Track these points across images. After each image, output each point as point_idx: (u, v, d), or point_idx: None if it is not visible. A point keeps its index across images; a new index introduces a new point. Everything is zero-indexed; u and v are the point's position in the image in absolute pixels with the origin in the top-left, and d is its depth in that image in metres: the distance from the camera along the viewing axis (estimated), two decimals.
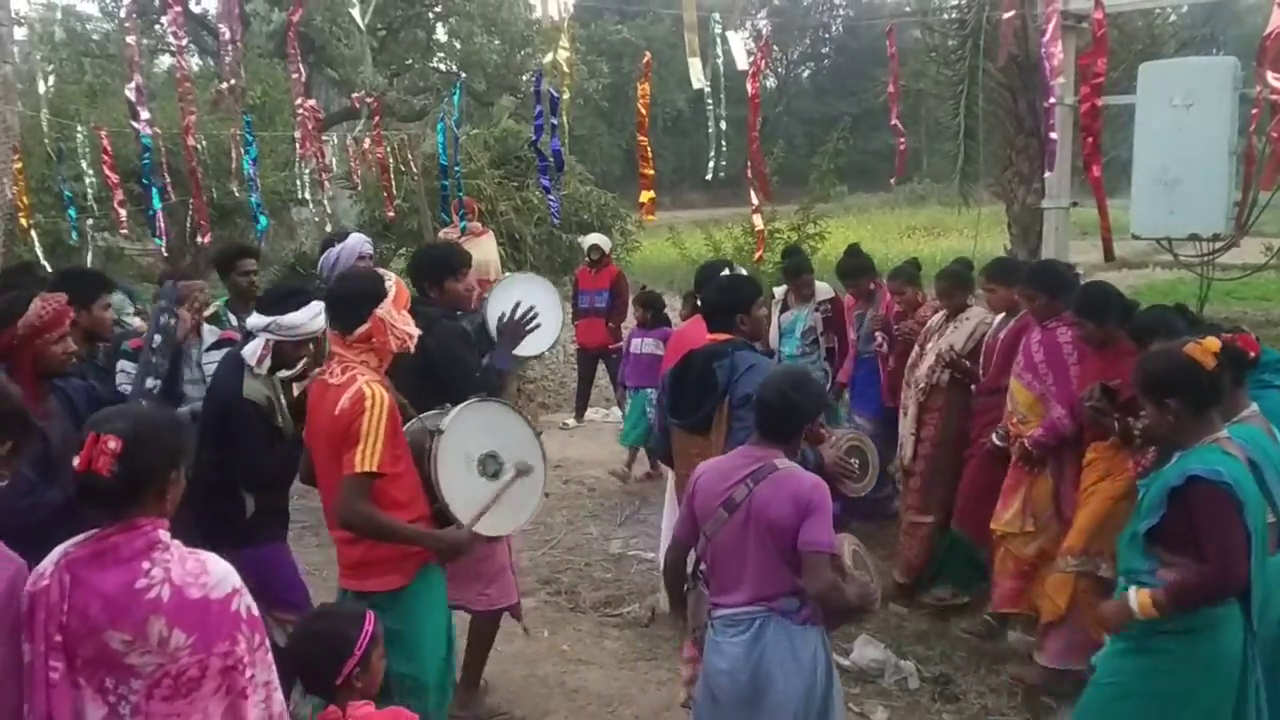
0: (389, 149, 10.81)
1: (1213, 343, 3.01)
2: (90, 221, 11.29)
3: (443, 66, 29.30)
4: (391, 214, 10.77)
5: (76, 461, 2.14)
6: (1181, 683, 2.98)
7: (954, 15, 10.68)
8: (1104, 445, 4.33)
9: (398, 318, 3.32)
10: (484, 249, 7.90)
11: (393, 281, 3.39)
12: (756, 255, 8.20)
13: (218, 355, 4.31)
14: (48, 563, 2.18)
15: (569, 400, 10.55)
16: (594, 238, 9.81)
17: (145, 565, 2.14)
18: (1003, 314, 5.32)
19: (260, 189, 9.63)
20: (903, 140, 7.63)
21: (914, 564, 5.55)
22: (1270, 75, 4.83)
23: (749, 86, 7.11)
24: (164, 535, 2.20)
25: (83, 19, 27.47)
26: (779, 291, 6.87)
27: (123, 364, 4.28)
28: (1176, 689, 2.99)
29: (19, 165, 8.81)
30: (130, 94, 6.92)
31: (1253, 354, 3.33)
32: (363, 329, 3.27)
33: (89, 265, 9.39)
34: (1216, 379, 2.99)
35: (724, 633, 3.17)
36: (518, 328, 4.25)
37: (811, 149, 17.61)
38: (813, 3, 52.11)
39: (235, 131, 10.73)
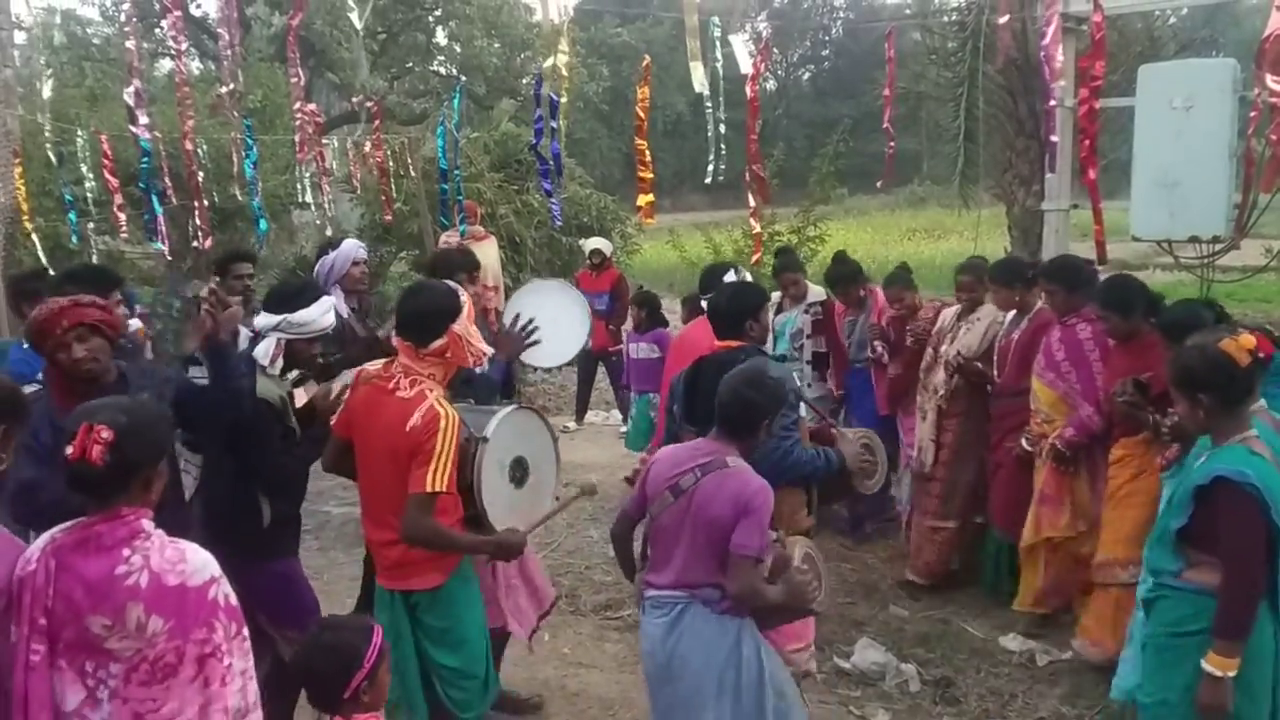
0: (389, 152, 10.81)
1: (1248, 339, 3.01)
2: (91, 225, 11.29)
3: (443, 70, 29.35)
4: (391, 217, 10.78)
5: (70, 450, 2.20)
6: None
7: (954, 18, 10.69)
8: (1134, 441, 4.33)
9: (473, 333, 3.35)
10: (485, 253, 7.90)
11: (466, 297, 3.42)
12: (754, 259, 8.20)
13: None
14: (35, 548, 2.27)
15: (569, 403, 10.54)
16: (595, 241, 9.83)
17: (126, 553, 2.21)
18: (1014, 313, 5.31)
19: (261, 192, 9.63)
20: (892, 144, 7.64)
21: (935, 568, 5.57)
22: (1269, 77, 4.82)
23: (748, 89, 7.11)
24: (147, 525, 2.27)
25: (83, 23, 27.49)
26: (776, 295, 6.85)
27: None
28: None
29: (20, 169, 8.82)
30: (129, 98, 6.92)
31: (1265, 355, 3.32)
32: (438, 343, 3.29)
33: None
34: (1250, 376, 2.99)
35: (650, 613, 3.30)
36: (516, 340, 4.26)
37: (811, 151, 17.62)
38: (813, 5, 52.12)
39: (236, 135, 10.73)
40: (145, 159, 7.58)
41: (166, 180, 9.33)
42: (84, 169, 10.65)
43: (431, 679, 3.43)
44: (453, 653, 3.40)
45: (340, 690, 2.46)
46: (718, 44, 7.27)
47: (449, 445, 3.18)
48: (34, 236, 9.65)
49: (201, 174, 9.26)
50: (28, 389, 2.83)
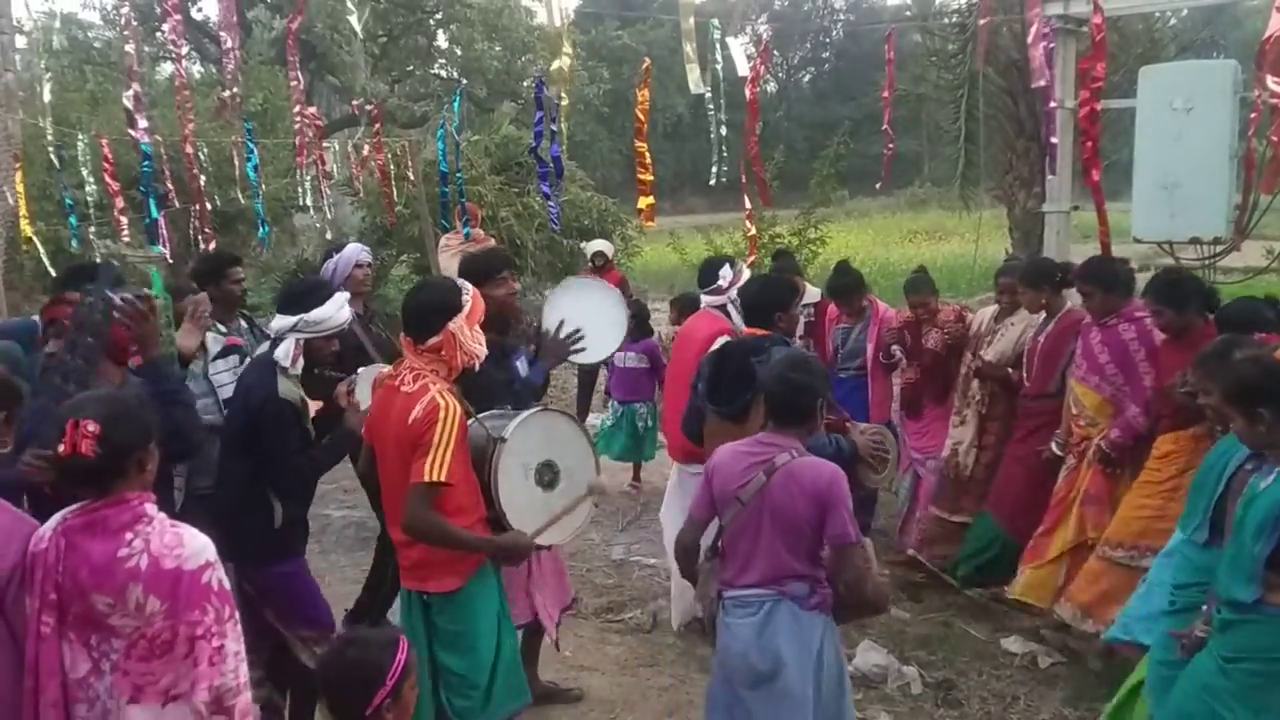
0: (390, 155, 10.82)
1: None
2: (92, 229, 11.30)
3: (444, 73, 29.38)
4: (393, 220, 10.79)
5: (61, 448, 2.30)
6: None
7: (954, 20, 10.71)
8: (1185, 435, 4.26)
9: (468, 334, 3.31)
10: None
11: (470, 295, 3.37)
12: (749, 260, 8.20)
13: (223, 364, 4.29)
14: (48, 527, 2.41)
15: (570, 406, 10.53)
16: (597, 244, 9.83)
17: (129, 536, 2.34)
18: (1042, 315, 5.25)
19: (262, 196, 9.64)
20: (892, 146, 7.63)
21: (950, 554, 5.49)
22: (1270, 79, 4.82)
23: (747, 92, 7.11)
24: (150, 509, 2.39)
25: (84, 27, 27.51)
26: None
27: (217, 364, 4.26)
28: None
29: (20, 173, 8.83)
30: (128, 102, 6.92)
31: None
32: (434, 340, 3.27)
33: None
34: None
35: (734, 613, 3.20)
36: (561, 347, 4.27)
37: (812, 153, 17.64)
38: (813, 7, 52.17)
39: (236, 139, 10.75)
40: (146, 163, 7.57)
41: (168, 184, 9.34)
42: (85, 173, 10.65)
43: (438, 685, 3.41)
44: (461, 658, 3.37)
45: (362, 707, 2.38)
46: (718, 46, 7.27)
47: (448, 435, 3.15)
48: (35, 240, 9.65)
49: (203, 177, 9.26)
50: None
